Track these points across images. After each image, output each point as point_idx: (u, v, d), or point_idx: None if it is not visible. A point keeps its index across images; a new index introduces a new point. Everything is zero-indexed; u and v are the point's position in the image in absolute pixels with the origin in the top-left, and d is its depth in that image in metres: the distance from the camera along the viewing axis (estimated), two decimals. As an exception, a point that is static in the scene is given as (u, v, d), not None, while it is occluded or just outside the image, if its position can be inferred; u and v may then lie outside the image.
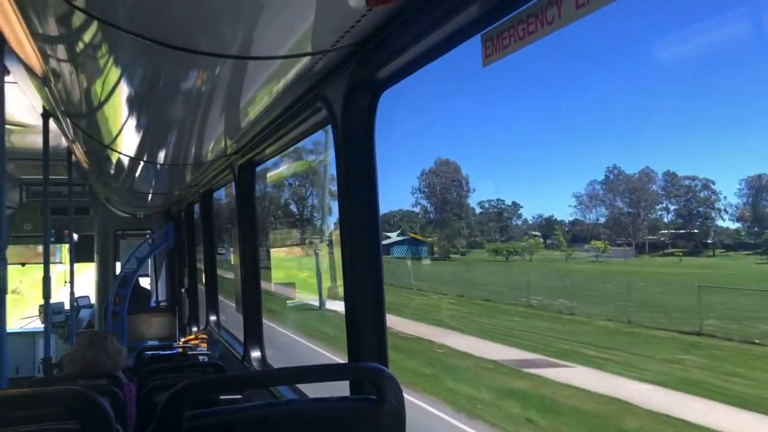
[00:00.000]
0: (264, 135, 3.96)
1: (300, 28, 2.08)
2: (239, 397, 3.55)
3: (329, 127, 2.85)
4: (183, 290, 9.75)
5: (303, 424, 1.91)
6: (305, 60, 2.40)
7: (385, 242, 49.81)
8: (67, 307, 10.06)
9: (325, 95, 2.75)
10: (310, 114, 3.10)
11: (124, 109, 3.57)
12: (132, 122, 3.87)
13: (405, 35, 2.07)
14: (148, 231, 10.66)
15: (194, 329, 8.80)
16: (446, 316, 31.41)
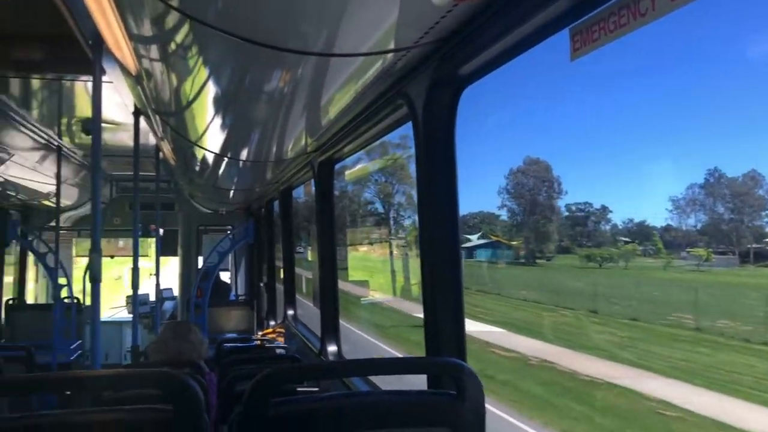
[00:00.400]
0: (343, 133, 4.01)
1: (384, 24, 2.09)
2: (316, 389, 3.61)
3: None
4: (261, 285, 10.00)
5: (382, 416, 1.93)
6: (387, 57, 2.42)
7: (466, 245, 48.85)
8: (152, 298, 10.52)
9: (407, 92, 2.76)
10: (391, 111, 3.12)
11: (211, 107, 3.69)
12: (218, 120, 4.00)
13: (490, 30, 2.05)
14: (229, 227, 10.98)
15: (272, 323, 9.01)
16: (607, 344, 24.56)
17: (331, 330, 5.19)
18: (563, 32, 1.89)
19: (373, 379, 4.26)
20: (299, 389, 3.34)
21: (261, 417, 1.85)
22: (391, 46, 2.27)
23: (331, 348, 5.17)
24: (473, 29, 2.12)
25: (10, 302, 9.41)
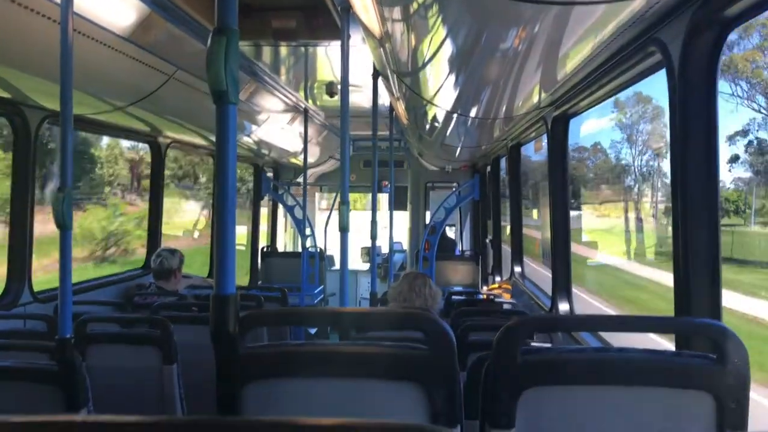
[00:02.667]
0: (582, 86, 3.85)
1: None
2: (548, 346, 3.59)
3: None
4: (487, 241, 10.10)
5: (635, 373, 1.88)
6: (639, 1, 2.25)
7: None
8: (384, 250, 11.13)
9: (659, 37, 2.56)
10: (638, 61, 2.92)
11: (446, 65, 3.75)
12: (451, 77, 4.06)
13: None
14: (455, 184, 11.20)
15: (497, 279, 9.09)
16: None
17: (563, 288, 5.11)
18: None
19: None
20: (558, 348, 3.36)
21: (510, 365, 1.89)
22: None
23: (563, 306, 5.09)
24: None
25: (265, 249, 10.56)
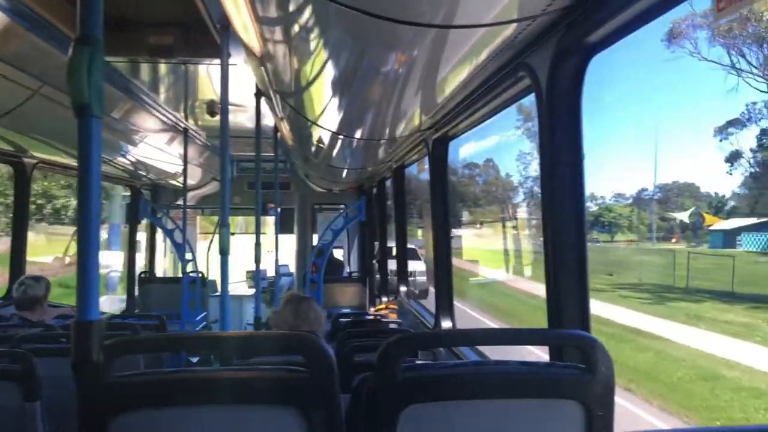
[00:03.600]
0: (459, 108, 3.98)
1: None
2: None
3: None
4: (374, 262, 10.19)
5: (510, 386, 1.93)
6: (510, 27, 2.37)
7: (719, 227, 41.19)
8: (270, 273, 10.97)
9: (529, 63, 2.70)
10: (510, 85, 3.07)
11: (329, 86, 3.77)
12: (335, 98, 4.09)
13: None
14: (342, 205, 11.25)
15: (384, 299, 9.18)
16: None
17: (445, 306, 5.22)
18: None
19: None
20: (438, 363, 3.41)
21: (391, 381, 1.89)
22: (515, 15, 2.23)
23: (446, 323, 5.20)
24: None
25: (143, 275, 10.11)
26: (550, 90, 2.56)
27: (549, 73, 2.52)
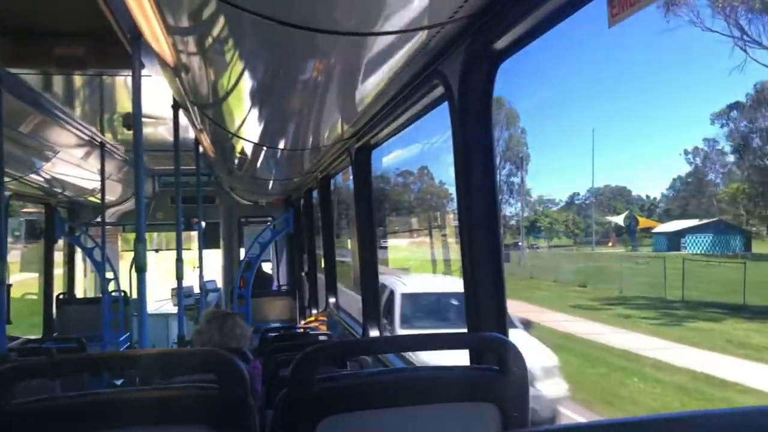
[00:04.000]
0: (380, 117, 4.01)
1: (417, 0, 2.08)
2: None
3: None
4: (303, 274, 10.11)
5: (427, 390, 1.94)
6: (422, 35, 2.41)
7: (662, 230, 39.64)
8: (196, 290, 10.71)
9: (441, 70, 2.74)
10: (427, 91, 3.11)
11: (248, 96, 3.73)
12: (255, 109, 4.05)
13: (524, 1, 2.02)
14: (269, 218, 11.11)
15: (314, 311, 9.11)
16: None
17: (373, 315, 5.22)
18: (601, -1, 1.86)
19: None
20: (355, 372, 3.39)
21: (306, 392, 1.87)
22: (425, 22, 2.26)
23: (373, 332, 5.20)
24: (507, 1, 2.10)
25: (61, 296, 9.69)
26: (462, 96, 2.60)
27: (460, 80, 2.57)
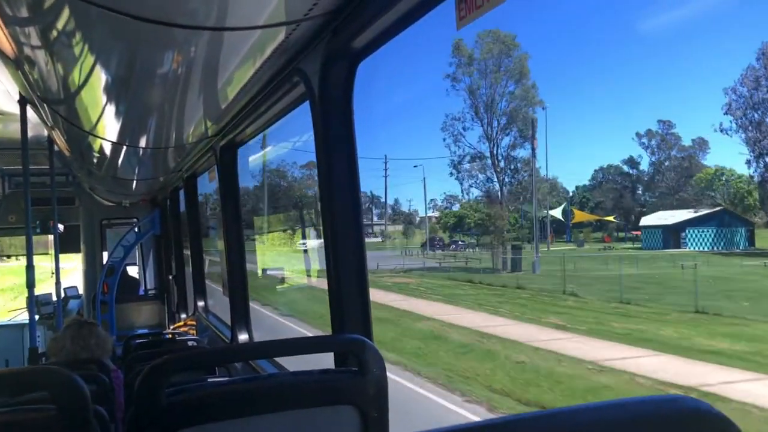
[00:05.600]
0: (244, 114, 3.94)
1: None
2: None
3: None
4: (171, 277, 9.74)
5: (285, 397, 1.91)
6: (281, 31, 2.39)
7: (657, 224, 34.01)
8: (54, 298, 10.04)
9: (302, 68, 2.74)
10: (289, 89, 3.09)
11: (103, 92, 3.55)
12: (111, 105, 3.85)
13: (378, 1, 2.06)
14: (134, 219, 10.61)
15: (183, 316, 8.81)
16: None
17: (241, 318, 5.11)
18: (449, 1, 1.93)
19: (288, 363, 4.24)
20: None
21: (154, 407, 1.78)
22: (283, 18, 2.25)
23: (243, 336, 5.09)
24: (362, 0, 2.13)
25: None
26: (323, 94, 2.60)
27: (320, 77, 2.57)
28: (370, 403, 1.97)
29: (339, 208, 2.69)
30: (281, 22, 2.27)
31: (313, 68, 2.60)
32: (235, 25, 2.31)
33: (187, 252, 8.63)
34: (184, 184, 7.20)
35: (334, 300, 2.75)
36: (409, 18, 2.11)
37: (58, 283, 6.99)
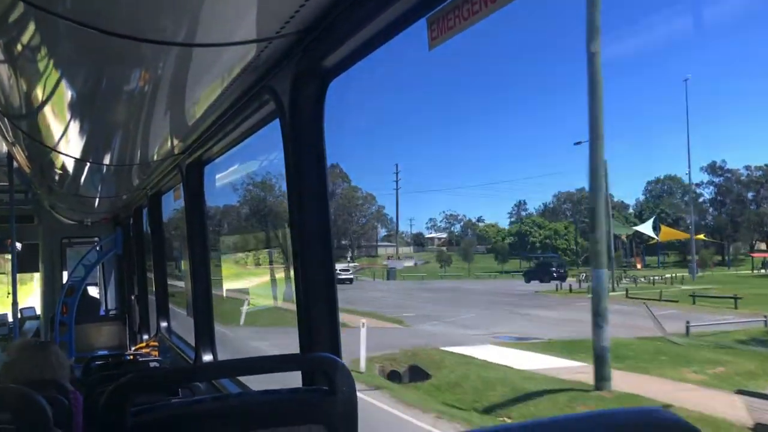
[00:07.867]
0: (211, 132, 3.91)
1: (244, 13, 2.07)
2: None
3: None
4: (133, 297, 9.55)
5: (253, 417, 1.87)
6: (252, 49, 2.39)
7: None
8: (11, 318, 9.75)
9: (272, 86, 2.73)
10: (258, 107, 3.07)
11: (68, 107, 3.49)
12: (75, 121, 3.79)
13: (350, 20, 2.07)
14: (96, 238, 10.40)
15: (145, 337, 8.63)
16: None
17: (205, 338, 5.03)
18: (421, 22, 1.96)
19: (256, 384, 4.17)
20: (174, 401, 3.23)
21: (120, 427, 1.74)
22: (254, 36, 2.25)
23: (207, 357, 5.00)
24: (333, 19, 2.14)
25: None
26: (293, 112, 2.60)
27: (290, 97, 2.57)
28: (340, 423, 1.95)
29: (308, 226, 2.68)
30: (252, 39, 2.27)
31: (284, 87, 2.60)
32: (206, 41, 2.31)
33: (150, 272, 8.49)
34: (148, 202, 7.10)
35: (302, 317, 2.72)
36: (381, 37, 2.13)
37: (15, 303, 6.80)
